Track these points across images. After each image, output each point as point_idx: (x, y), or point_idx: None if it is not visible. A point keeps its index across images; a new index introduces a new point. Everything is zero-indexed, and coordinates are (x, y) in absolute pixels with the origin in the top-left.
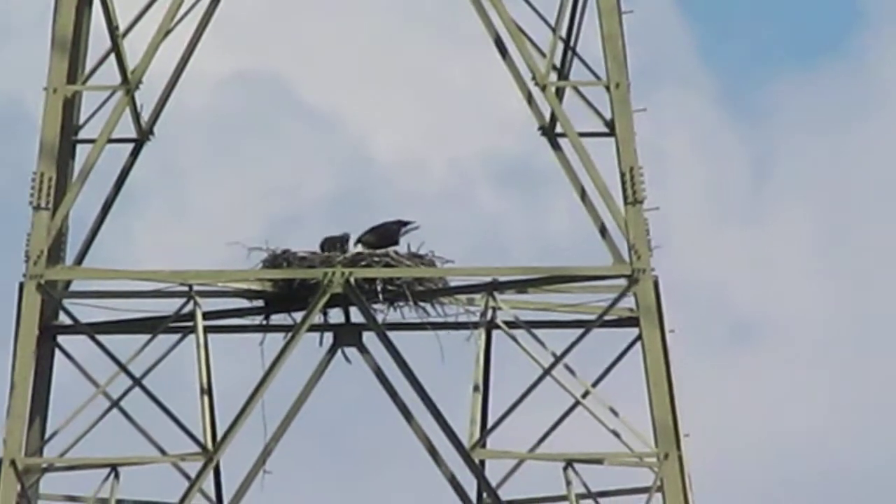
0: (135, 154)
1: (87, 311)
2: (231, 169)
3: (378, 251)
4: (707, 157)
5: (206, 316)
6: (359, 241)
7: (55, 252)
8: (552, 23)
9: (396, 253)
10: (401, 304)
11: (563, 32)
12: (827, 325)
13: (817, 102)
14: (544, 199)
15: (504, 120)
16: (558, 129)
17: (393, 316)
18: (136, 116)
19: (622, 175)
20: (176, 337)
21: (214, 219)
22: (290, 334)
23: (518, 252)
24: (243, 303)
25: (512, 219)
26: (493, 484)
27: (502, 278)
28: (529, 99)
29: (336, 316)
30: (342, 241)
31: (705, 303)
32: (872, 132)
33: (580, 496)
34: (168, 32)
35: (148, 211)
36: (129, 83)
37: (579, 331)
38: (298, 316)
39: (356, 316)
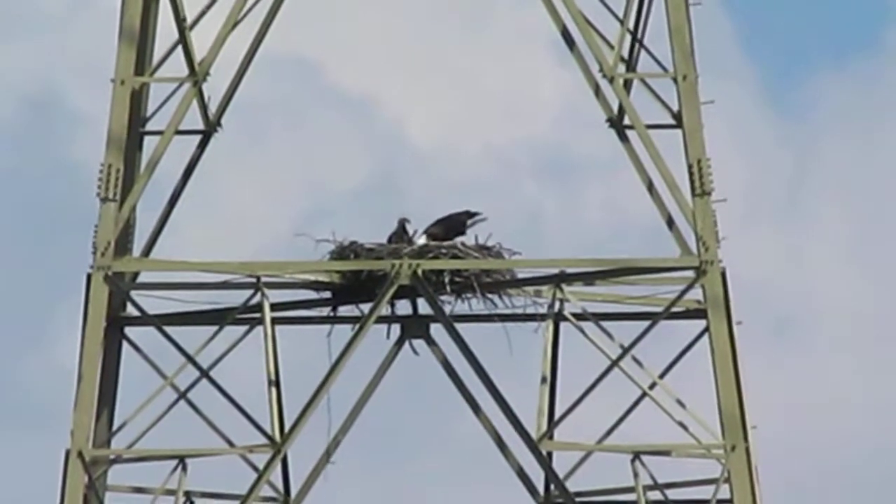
0: (202, 146)
1: (155, 303)
2: (266, 157)
3: (445, 243)
4: (747, 150)
5: (273, 307)
6: (425, 232)
7: (122, 243)
8: (620, 15)
9: (463, 244)
10: (468, 295)
11: (631, 24)
12: (866, 320)
13: (854, 99)
14: (581, 188)
15: (542, 108)
16: (626, 122)
17: (460, 308)
18: (204, 108)
19: (689, 167)
20: (243, 328)
21: (251, 208)
22: (357, 326)
23: (558, 241)
24: (310, 294)
25: (550, 208)
26: (561, 475)
27: (570, 270)
28: (597, 91)
29: (403, 308)
30: (402, 226)
31: (746, 297)
32: None
33: (647, 487)
34: (237, 23)
35: (185, 201)
36: (197, 75)
37: (646, 322)
38: (366, 308)
39: (424, 308)
